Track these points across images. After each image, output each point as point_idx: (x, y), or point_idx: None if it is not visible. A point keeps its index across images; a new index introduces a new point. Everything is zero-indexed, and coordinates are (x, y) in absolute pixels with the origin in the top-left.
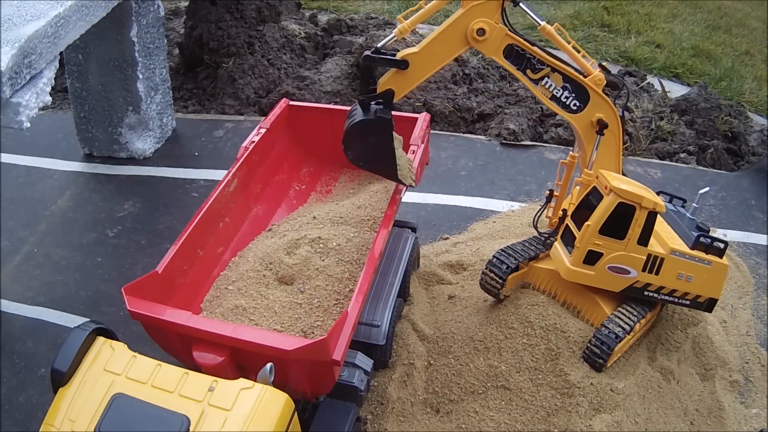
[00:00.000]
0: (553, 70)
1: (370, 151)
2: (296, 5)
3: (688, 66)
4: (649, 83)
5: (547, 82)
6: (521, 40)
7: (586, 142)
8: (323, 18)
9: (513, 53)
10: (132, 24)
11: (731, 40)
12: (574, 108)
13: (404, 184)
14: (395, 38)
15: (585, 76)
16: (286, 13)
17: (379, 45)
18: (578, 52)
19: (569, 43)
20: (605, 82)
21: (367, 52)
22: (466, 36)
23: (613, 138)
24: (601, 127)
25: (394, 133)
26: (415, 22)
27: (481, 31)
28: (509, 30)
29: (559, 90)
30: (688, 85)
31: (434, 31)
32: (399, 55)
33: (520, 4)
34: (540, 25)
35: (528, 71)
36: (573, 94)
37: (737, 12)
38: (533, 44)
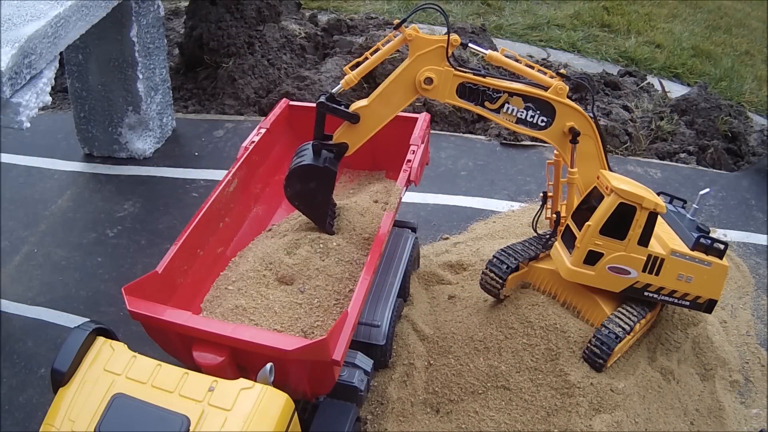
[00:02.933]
0: (511, 94)
1: (309, 194)
2: (296, 5)
3: (688, 66)
4: (649, 83)
5: (508, 108)
6: (471, 75)
7: (563, 152)
8: (323, 18)
9: (466, 90)
10: (132, 24)
11: (731, 40)
12: (543, 124)
13: (327, 232)
14: (342, 89)
15: (545, 90)
16: (286, 13)
17: (333, 91)
18: (532, 68)
19: (520, 62)
20: (567, 89)
21: (322, 99)
22: (414, 86)
23: (590, 140)
24: (574, 135)
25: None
26: (362, 73)
27: (429, 80)
28: (456, 69)
29: (522, 112)
30: (688, 85)
31: (383, 82)
32: (351, 108)
33: (469, 44)
34: (486, 54)
35: (486, 103)
36: (538, 111)
37: (737, 12)
38: (484, 75)
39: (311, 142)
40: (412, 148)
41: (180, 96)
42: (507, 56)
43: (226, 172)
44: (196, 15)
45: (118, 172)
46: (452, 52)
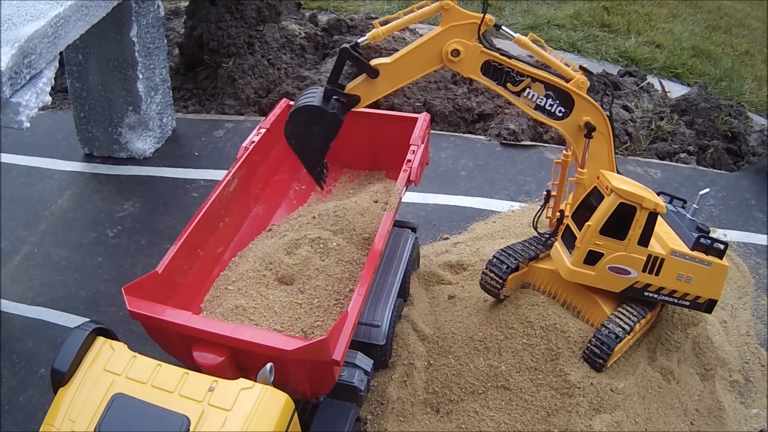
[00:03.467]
0: (534, 80)
1: (307, 136)
2: (296, 5)
3: (688, 66)
4: (649, 83)
5: (529, 92)
6: (497, 55)
7: (576, 146)
8: (323, 18)
9: (491, 69)
10: (132, 24)
11: (731, 40)
12: (560, 114)
13: (318, 184)
14: (368, 41)
15: (567, 82)
16: (286, 13)
17: (359, 41)
18: (557, 58)
19: (546, 50)
20: (588, 84)
21: (346, 45)
22: (440, 55)
23: (603, 138)
24: (589, 130)
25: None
26: (390, 30)
27: (456, 52)
28: (484, 46)
29: (542, 99)
30: (688, 85)
31: (409, 45)
32: (372, 63)
33: (502, 28)
34: (514, 38)
35: (508, 85)
36: (557, 101)
37: (737, 12)
38: (510, 57)
39: (321, 86)
40: (412, 148)
41: (180, 96)
42: (534, 43)
43: (226, 172)
44: (196, 15)
45: (118, 172)
46: (483, 31)
